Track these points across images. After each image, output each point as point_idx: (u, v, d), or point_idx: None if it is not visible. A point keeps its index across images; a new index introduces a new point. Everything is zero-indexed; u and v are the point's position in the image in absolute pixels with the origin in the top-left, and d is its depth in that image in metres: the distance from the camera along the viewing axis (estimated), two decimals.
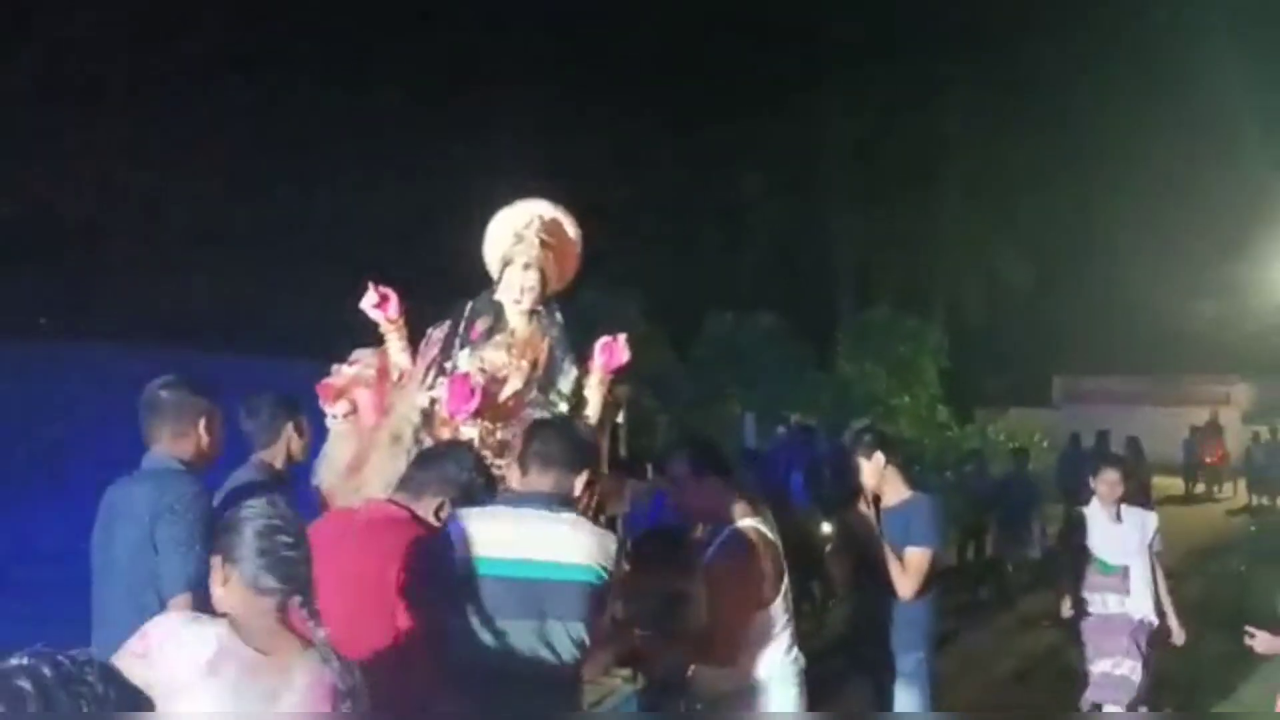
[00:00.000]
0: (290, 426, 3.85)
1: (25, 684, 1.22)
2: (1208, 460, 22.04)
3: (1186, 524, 14.07)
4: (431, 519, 2.99)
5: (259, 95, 19.00)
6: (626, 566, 3.33)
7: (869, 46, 24.42)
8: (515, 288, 3.88)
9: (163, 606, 2.91)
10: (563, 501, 3.00)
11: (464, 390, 3.62)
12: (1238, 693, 7.02)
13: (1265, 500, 19.82)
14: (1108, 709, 5.69)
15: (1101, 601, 5.76)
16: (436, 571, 2.89)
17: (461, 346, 3.86)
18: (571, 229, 4.09)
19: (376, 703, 2.17)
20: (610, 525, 3.73)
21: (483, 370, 3.78)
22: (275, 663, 2.11)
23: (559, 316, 4.00)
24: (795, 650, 3.62)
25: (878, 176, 25.46)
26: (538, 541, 2.89)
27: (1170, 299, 26.67)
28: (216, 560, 2.20)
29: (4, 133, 15.71)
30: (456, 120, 20.65)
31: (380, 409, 3.84)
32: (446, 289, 4.20)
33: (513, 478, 3.16)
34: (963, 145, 25.81)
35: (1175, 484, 21.01)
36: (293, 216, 18.81)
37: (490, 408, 3.72)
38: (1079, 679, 5.92)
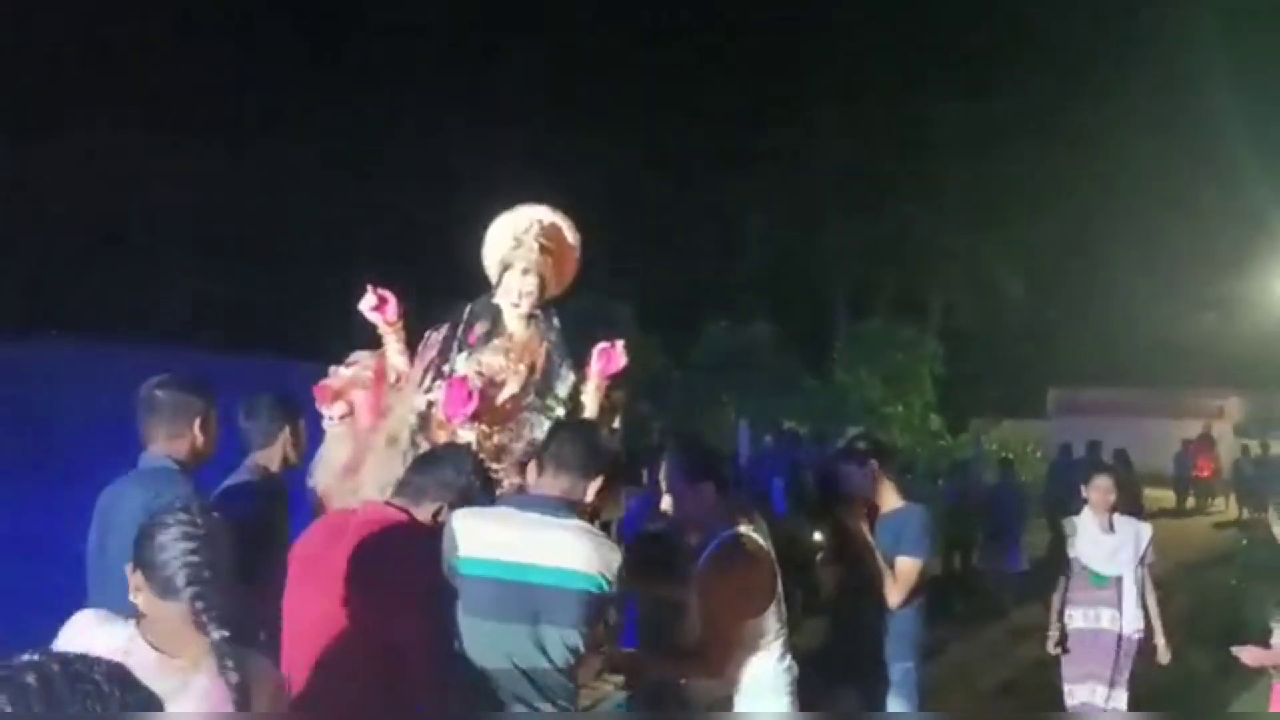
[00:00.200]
0: (288, 430, 3.86)
1: (31, 680, 1.23)
2: (1199, 474, 22.07)
3: (1177, 537, 14.08)
4: (429, 523, 2.99)
5: (261, 98, 19.02)
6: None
7: (866, 58, 24.47)
8: (514, 292, 3.89)
9: None
10: (569, 506, 3.00)
11: (461, 394, 3.62)
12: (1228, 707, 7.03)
13: (1254, 514, 19.84)
14: None
15: (1094, 616, 5.67)
16: (434, 574, 2.89)
17: (459, 350, 3.86)
18: (571, 234, 4.09)
19: (368, 702, 2.18)
20: (604, 530, 3.73)
21: (480, 374, 3.78)
22: (179, 665, 2.14)
23: (557, 321, 4.01)
24: (789, 659, 3.60)
25: (874, 185, 25.49)
26: (537, 545, 2.89)
27: (1166, 312, 26.72)
28: (129, 565, 2.23)
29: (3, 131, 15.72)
30: (456, 126, 20.66)
31: (377, 411, 3.84)
32: (445, 292, 4.21)
33: (529, 475, 3.18)
34: (960, 156, 25.85)
35: (1166, 497, 21.02)
36: (292, 218, 18.80)
37: (487, 411, 3.73)
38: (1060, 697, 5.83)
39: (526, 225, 3.97)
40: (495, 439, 3.71)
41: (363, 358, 3.93)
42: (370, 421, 3.81)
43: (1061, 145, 25.19)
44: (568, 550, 2.90)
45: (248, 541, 3.47)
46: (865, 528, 4.59)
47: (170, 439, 3.34)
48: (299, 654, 2.84)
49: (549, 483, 3.03)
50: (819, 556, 4.96)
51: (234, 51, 18.97)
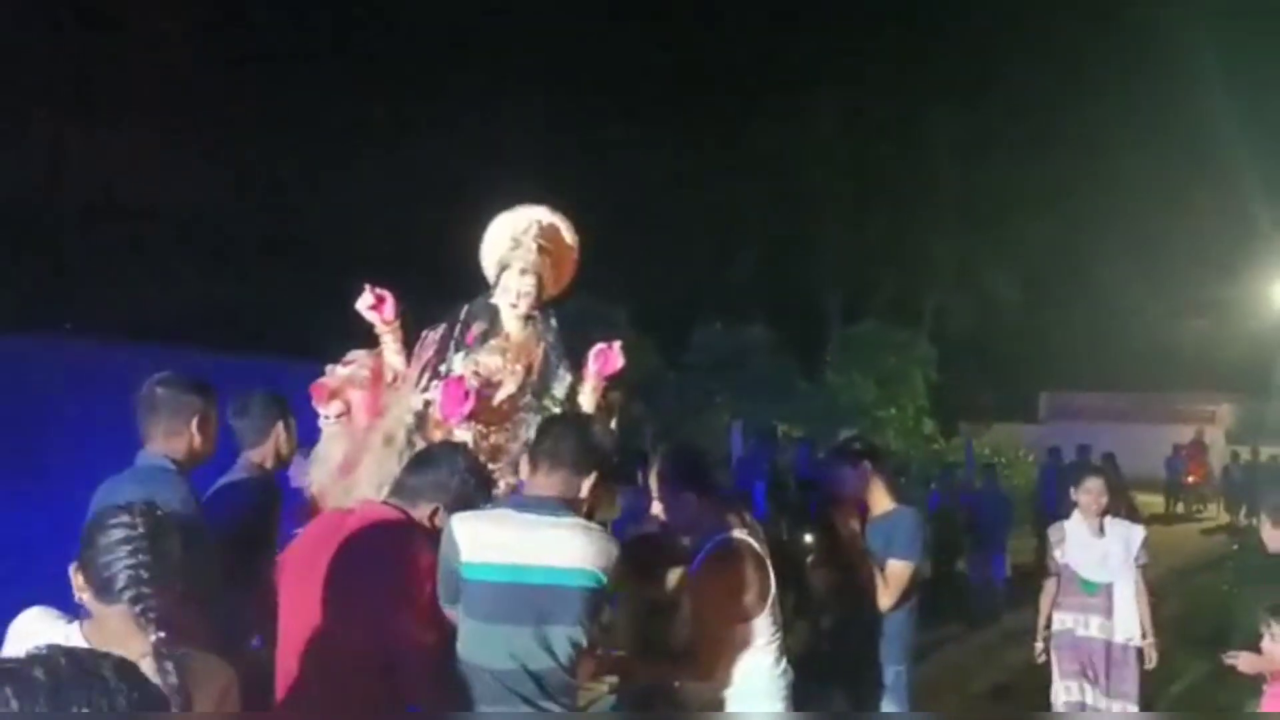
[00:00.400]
0: (280, 426, 3.85)
1: (39, 674, 1.23)
2: (1188, 479, 22.10)
3: (1166, 542, 14.12)
4: (426, 524, 3.00)
5: (260, 98, 18.99)
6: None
7: (861, 61, 24.51)
8: (512, 292, 3.90)
9: None
10: (566, 504, 3.00)
11: (458, 393, 3.63)
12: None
13: (1247, 519, 19.88)
14: None
15: (1084, 623, 5.58)
16: (432, 574, 2.90)
17: (457, 350, 3.87)
18: (569, 235, 4.10)
19: (365, 701, 2.16)
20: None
21: (477, 374, 3.79)
22: None
23: (554, 322, 4.01)
24: (784, 663, 3.59)
25: (869, 189, 25.54)
26: (540, 547, 2.89)
27: (1159, 317, 26.81)
28: (73, 566, 2.23)
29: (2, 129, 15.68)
30: (454, 126, 20.67)
31: (374, 410, 3.83)
32: (443, 292, 4.21)
33: (523, 472, 3.18)
34: (954, 159, 25.92)
35: (1156, 502, 21.06)
36: (291, 218, 18.79)
37: (484, 411, 3.73)
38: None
39: (525, 226, 3.98)
40: (492, 439, 3.71)
41: (360, 357, 3.93)
42: (367, 421, 3.81)
43: (1055, 149, 25.28)
44: (568, 548, 2.91)
45: (245, 539, 3.50)
46: (857, 530, 4.59)
47: (168, 437, 3.34)
48: (296, 652, 2.84)
49: (543, 482, 3.03)
50: (810, 559, 4.94)
51: (233, 51, 18.94)
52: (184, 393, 3.39)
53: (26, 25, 16.76)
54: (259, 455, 3.83)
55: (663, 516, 3.74)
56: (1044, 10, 24.42)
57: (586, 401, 3.93)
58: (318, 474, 3.82)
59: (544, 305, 4.01)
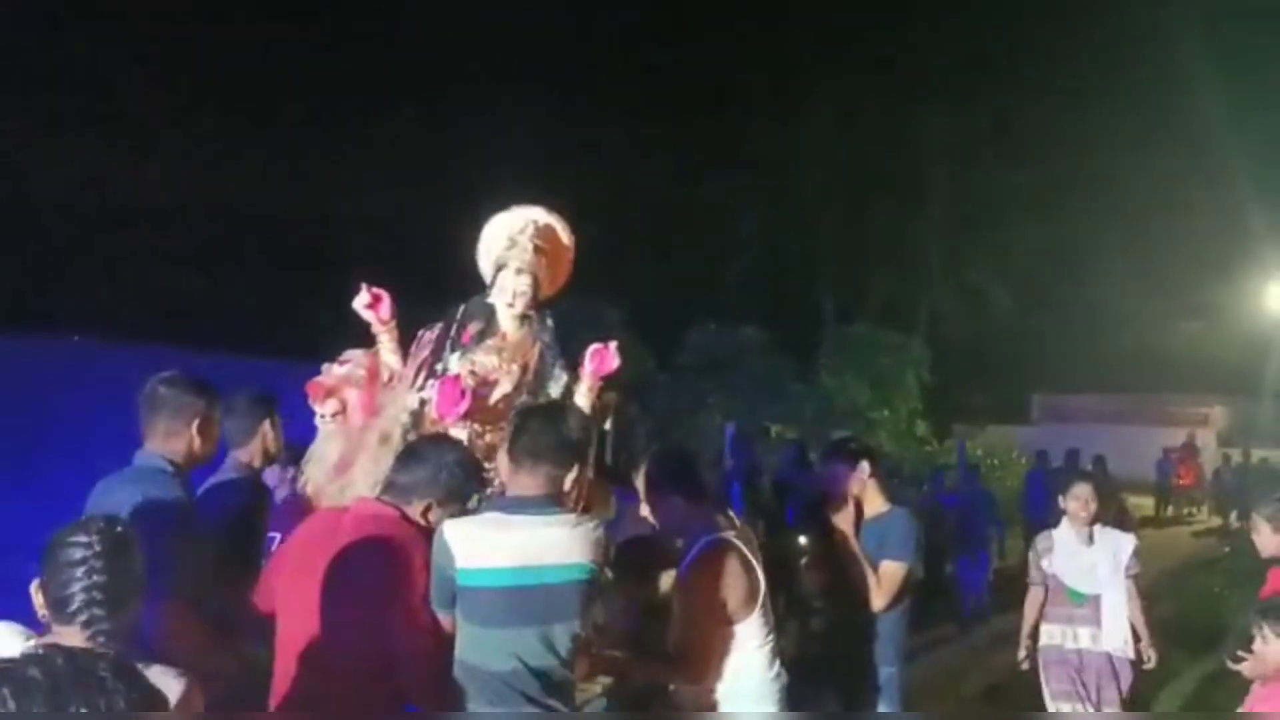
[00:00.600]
0: (266, 425, 3.84)
1: (36, 673, 1.23)
2: (1179, 482, 22.12)
3: (1157, 545, 14.15)
4: (420, 520, 3.00)
5: (261, 99, 18.99)
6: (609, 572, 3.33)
7: (857, 63, 24.55)
8: (508, 292, 3.90)
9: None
10: (553, 500, 3.01)
11: (454, 393, 3.63)
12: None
13: (1234, 523, 19.93)
14: None
15: (1071, 634, 5.45)
16: (426, 569, 2.90)
17: (453, 349, 3.87)
18: (565, 235, 4.10)
19: (363, 700, 2.15)
20: None
21: (473, 373, 3.79)
22: None
23: (550, 322, 4.02)
24: (778, 667, 3.58)
25: (863, 190, 25.57)
26: (535, 548, 2.89)
27: (1152, 320, 26.86)
28: (34, 584, 2.24)
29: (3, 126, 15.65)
30: (451, 127, 20.68)
31: (370, 409, 3.83)
32: (439, 292, 4.21)
33: (502, 467, 3.15)
34: (948, 162, 25.95)
35: (1146, 505, 21.08)
36: (291, 218, 18.77)
37: (480, 410, 3.74)
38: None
39: (521, 226, 3.98)
40: (487, 438, 3.71)
41: (356, 356, 3.92)
42: (363, 420, 3.80)
43: (1049, 153, 25.33)
44: (562, 545, 2.92)
45: (236, 539, 3.51)
46: (851, 531, 4.59)
47: (167, 437, 3.32)
48: (294, 652, 2.84)
49: (527, 481, 3.01)
50: (803, 560, 4.92)
51: (232, 51, 18.94)
52: (186, 393, 3.37)
53: (26, 25, 16.75)
54: (246, 455, 3.82)
55: (651, 518, 3.74)
56: (1039, 13, 24.49)
57: (582, 401, 3.92)
58: (314, 473, 3.82)
59: (540, 305, 4.01)
